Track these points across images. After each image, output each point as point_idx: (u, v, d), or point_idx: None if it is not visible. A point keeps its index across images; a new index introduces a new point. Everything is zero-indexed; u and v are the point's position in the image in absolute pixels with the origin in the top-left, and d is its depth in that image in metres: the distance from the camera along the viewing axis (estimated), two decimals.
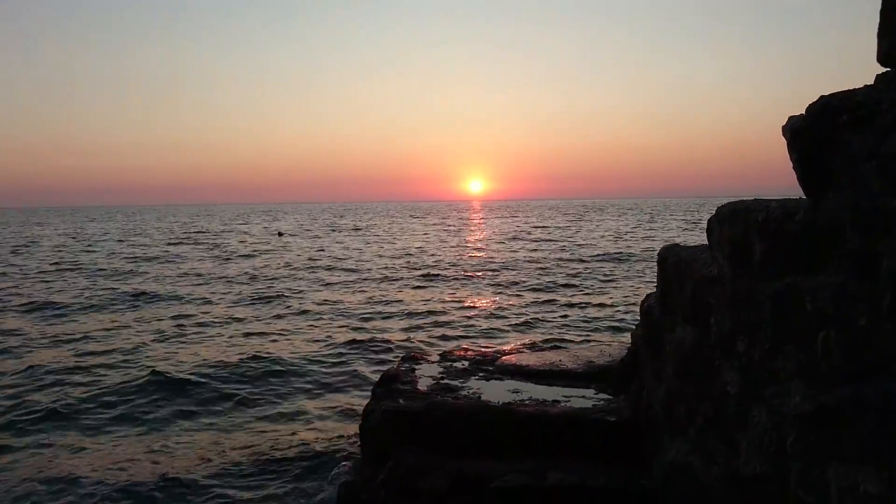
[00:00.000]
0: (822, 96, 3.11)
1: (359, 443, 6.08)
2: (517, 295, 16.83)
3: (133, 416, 8.00)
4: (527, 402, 5.36)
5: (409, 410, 5.21)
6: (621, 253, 27.52)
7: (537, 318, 13.56)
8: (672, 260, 4.56)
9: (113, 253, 31.98)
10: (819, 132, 3.07)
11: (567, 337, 11.49)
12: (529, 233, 46.06)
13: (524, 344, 7.30)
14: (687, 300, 4.29)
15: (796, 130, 3.15)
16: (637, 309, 5.38)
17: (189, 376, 9.42)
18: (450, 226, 60.32)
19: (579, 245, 31.85)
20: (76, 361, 10.53)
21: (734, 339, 3.76)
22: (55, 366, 10.20)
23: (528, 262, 24.20)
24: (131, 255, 30.07)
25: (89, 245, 38.42)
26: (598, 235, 39.19)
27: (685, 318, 4.38)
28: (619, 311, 14.55)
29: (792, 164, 3.25)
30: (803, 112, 3.19)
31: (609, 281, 19.49)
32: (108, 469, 6.46)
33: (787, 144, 3.27)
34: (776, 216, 3.37)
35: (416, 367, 6.23)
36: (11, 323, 14.00)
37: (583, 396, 5.54)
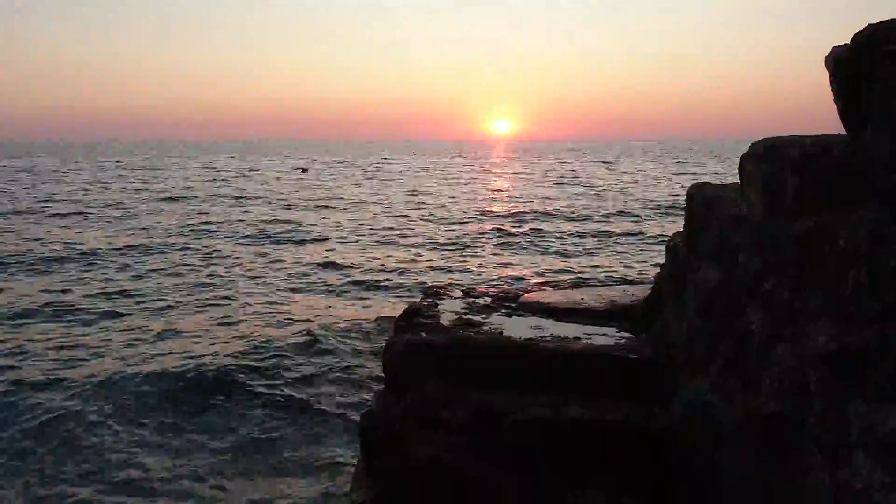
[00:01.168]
0: (869, 24, 2.96)
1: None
2: (545, 240, 16.70)
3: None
4: (548, 338, 5.39)
5: (430, 343, 5.27)
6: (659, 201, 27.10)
7: (567, 266, 13.45)
8: (700, 198, 4.48)
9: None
10: (862, 63, 2.93)
11: (592, 278, 11.47)
12: (564, 177, 45.44)
13: (548, 283, 7.30)
14: (713, 239, 4.23)
15: (839, 61, 3.02)
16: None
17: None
18: (483, 167, 59.86)
19: (616, 190, 31.23)
20: None
21: (761, 279, 3.71)
22: None
23: (562, 207, 23.92)
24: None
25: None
26: (637, 181, 37.79)
27: (711, 258, 4.33)
28: (650, 258, 14.40)
29: (833, 98, 3.13)
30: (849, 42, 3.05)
31: (639, 225, 19.26)
32: None
33: (829, 76, 3.14)
34: (812, 152, 3.27)
35: (439, 302, 6.28)
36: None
37: (604, 334, 5.55)
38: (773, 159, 3.53)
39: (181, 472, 5.46)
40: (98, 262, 14.32)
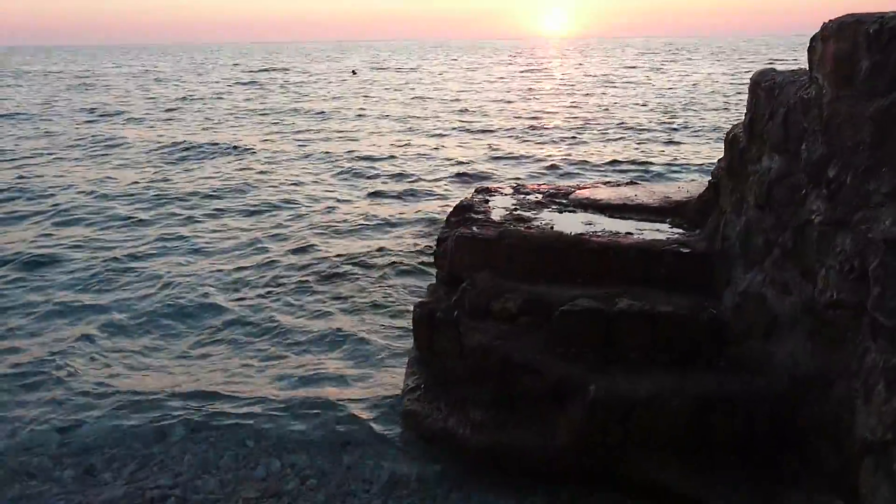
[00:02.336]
0: None
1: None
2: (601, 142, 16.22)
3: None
4: (599, 233, 5.37)
5: (481, 237, 5.32)
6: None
7: (622, 165, 13.09)
8: (765, 84, 4.29)
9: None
10: None
11: (646, 175, 11.23)
12: (617, 76, 43.60)
13: (599, 180, 7.20)
14: (777, 126, 4.07)
15: None
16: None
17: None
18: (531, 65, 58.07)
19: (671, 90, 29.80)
20: None
21: (825, 165, 3.59)
22: None
23: (623, 106, 22.97)
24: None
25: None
26: (696, 83, 35.31)
27: (773, 147, 4.19)
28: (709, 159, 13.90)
29: None
30: None
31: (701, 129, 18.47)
32: None
33: None
34: (890, 27, 3.07)
35: (490, 198, 6.29)
36: None
37: (657, 230, 5.50)
38: (846, 36, 3.33)
39: (238, 373, 5.75)
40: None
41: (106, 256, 8.31)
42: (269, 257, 8.25)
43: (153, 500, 4.05)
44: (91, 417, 4.93)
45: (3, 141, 16.52)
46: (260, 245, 8.76)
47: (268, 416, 5.03)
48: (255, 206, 10.88)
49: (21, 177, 12.74)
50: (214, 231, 9.61)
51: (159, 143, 16.76)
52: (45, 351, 5.95)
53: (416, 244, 8.35)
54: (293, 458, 4.52)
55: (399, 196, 10.75)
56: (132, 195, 11.49)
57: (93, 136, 18.20)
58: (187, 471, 4.35)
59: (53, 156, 15.14)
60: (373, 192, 11.15)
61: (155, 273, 7.82)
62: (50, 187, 11.82)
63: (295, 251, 8.37)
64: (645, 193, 6.30)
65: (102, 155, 15.26)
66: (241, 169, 13.47)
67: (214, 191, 11.73)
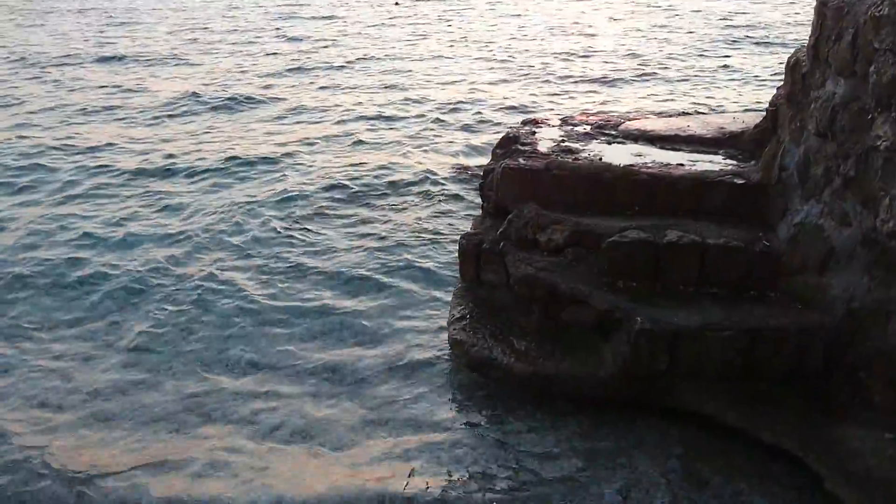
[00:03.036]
0: None
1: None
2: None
3: None
4: (650, 164, 5.25)
5: (528, 168, 5.26)
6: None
7: (675, 96, 12.54)
8: (833, 3, 4.05)
9: None
10: None
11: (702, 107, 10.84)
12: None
13: (650, 111, 7.00)
14: (845, 47, 3.87)
15: None
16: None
17: None
18: None
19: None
20: None
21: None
22: None
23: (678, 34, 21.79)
24: None
25: None
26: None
27: (839, 70, 3.99)
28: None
29: None
30: None
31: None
32: None
33: None
34: None
35: (537, 129, 6.18)
36: None
37: (710, 161, 5.35)
38: None
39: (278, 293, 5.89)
40: None
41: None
42: (311, 180, 8.29)
43: None
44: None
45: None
46: (306, 166, 8.80)
47: (312, 339, 5.15)
48: (306, 119, 10.86)
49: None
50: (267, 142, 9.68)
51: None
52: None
53: (462, 176, 8.30)
54: (340, 379, 4.66)
55: (448, 127, 10.62)
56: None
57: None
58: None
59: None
60: (422, 120, 10.95)
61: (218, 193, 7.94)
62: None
63: (342, 177, 8.40)
64: (698, 124, 6.11)
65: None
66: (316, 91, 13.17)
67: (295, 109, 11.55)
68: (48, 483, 3.80)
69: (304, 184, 8.21)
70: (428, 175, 8.36)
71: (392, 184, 8.17)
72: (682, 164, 5.23)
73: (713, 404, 4.17)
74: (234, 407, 4.42)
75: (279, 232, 6.99)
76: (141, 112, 11.81)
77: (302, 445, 4.12)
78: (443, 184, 8.10)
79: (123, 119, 11.48)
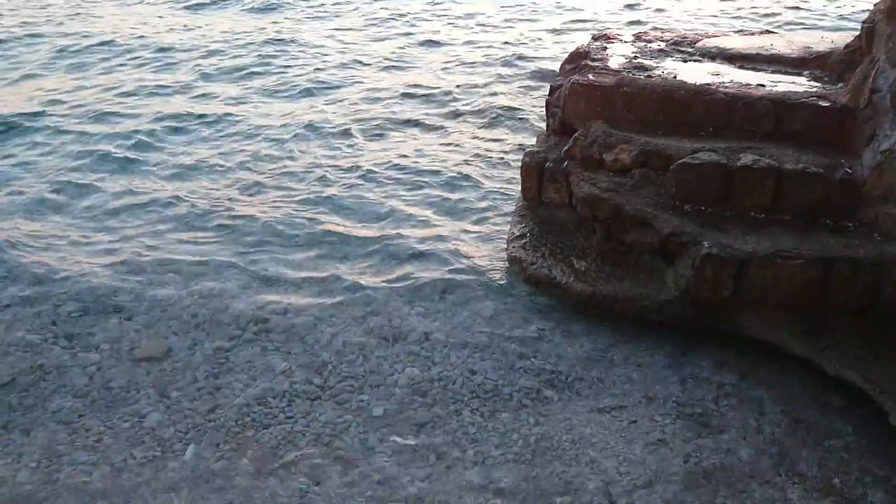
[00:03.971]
0: None
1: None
2: None
3: None
4: (727, 83, 4.99)
5: (598, 84, 5.06)
6: None
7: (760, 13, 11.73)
8: None
9: None
10: None
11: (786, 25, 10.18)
12: None
13: (731, 29, 6.60)
14: None
15: None
16: None
17: None
18: None
19: None
20: None
21: None
22: None
23: None
24: None
25: None
26: None
27: None
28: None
29: None
30: None
31: None
32: None
33: None
34: None
35: (608, 45, 5.91)
36: None
37: (793, 82, 5.05)
38: None
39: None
40: None
41: None
42: (367, 97, 8.23)
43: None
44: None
45: None
46: (366, 85, 8.71)
47: (366, 253, 5.23)
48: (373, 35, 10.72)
49: None
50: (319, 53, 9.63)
51: None
52: None
53: (528, 92, 8.10)
54: (394, 293, 4.74)
55: (511, 43, 10.28)
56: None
57: None
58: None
59: None
60: (485, 35, 10.63)
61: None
62: None
63: (401, 93, 8.31)
64: (782, 43, 5.74)
65: None
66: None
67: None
68: None
69: (364, 100, 8.15)
70: (494, 89, 8.19)
71: (453, 101, 8.03)
72: (762, 85, 4.95)
73: (777, 333, 4.09)
74: (291, 318, 4.51)
75: (337, 148, 6.99)
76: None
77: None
78: (508, 100, 7.93)
79: None
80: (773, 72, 5.31)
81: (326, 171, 6.48)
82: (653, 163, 4.69)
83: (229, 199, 6.01)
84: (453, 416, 3.68)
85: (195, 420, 3.64)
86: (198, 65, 9.40)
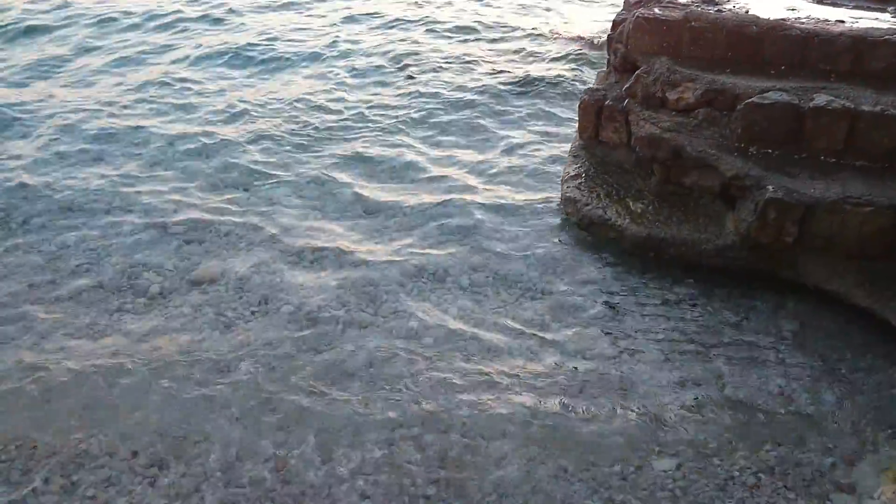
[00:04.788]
0: None
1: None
2: None
3: None
4: (804, 19, 4.71)
5: (664, 18, 4.84)
6: None
7: None
8: None
9: None
10: None
11: None
12: None
13: None
14: None
15: None
16: None
17: None
18: None
19: None
20: None
21: None
22: None
23: None
24: None
25: None
26: None
27: None
28: None
29: None
30: None
31: None
32: None
33: None
34: None
35: None
36: None
37: (875, 19, 4.74)
38: None
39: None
40: None
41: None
42: (431, 31, 8.08)
43: None
44: None
45: None
46: (423, 20, 8.55)
47: (419, 186, 5.20)
48: None
49: None
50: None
51: None
52: None
53: (588, 28, 7.83)
54: (448, 228, 4.72)
55: None
56: None
57: None
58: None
59: None
60: None
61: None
62: None
63: (459, 27, 8.13)
64: None
65: None
66: None
67: None
68: None
69: (425, 34, 8.00)
70: (552, 26, 7.94)
71: (512, 38, 7.82)
72: (841, 21, 4.66)
73: (840, 281, 3.95)
74: (347, 250, 4.55)
75: (391, 82, 6.92)
76: None
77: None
78: (567, 36, 7.68)
79: None
80: (854, 7, 5.01)
81: (375, 109, 6.43)
82: (718, 102, 4.49)
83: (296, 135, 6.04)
84: (504, 352, 3.69)
85: (248, 338, 3.74)
86: None
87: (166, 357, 3.63)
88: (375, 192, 5.19)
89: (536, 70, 7.06)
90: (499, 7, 9.09)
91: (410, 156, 5.67)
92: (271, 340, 3.74)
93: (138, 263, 4.38)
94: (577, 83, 6.75)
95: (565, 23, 8.41)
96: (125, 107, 6.50)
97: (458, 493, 2.92)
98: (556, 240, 4.63)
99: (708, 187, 4.43)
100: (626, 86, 4.89)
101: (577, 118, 5.27)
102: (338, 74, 7.14)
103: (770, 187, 4.01)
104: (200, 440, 3.15)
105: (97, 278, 4.23)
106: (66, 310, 3.97)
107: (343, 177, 5.36)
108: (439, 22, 8.49)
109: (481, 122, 6.20)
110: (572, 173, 5.02)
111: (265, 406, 3.34)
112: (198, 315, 3.93)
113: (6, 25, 8.34)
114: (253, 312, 3.96)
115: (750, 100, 4.29)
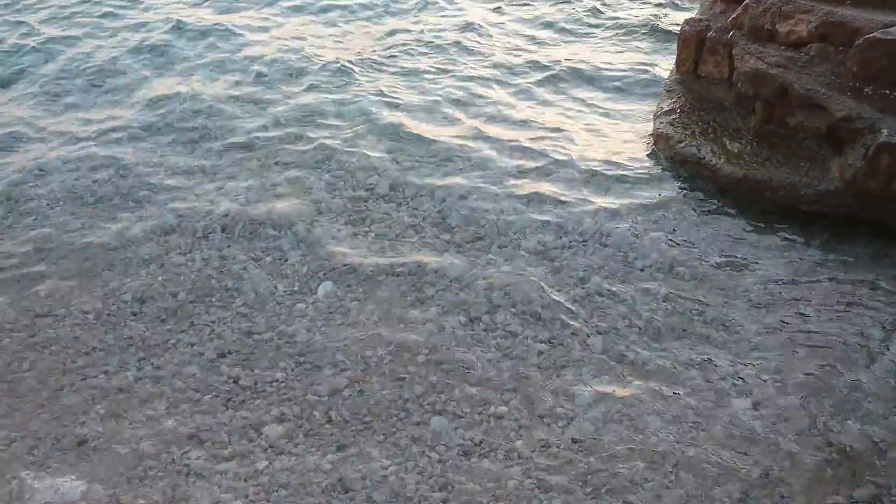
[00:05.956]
0: None
1: None
2: None
3: None
4: None
5: None
6: None
7: None
8: None
9: None
10: None
11: None
12: None
13: None
14: None
15: None
16: None
17: None
18: None
19: None
20: None
21: None
22: None
23: None
24: None
25: None
26: None
27: None
28: None
29: None
30: None
31: None
32: None
33: None
34: None
35: None
36: None
37: None
38: None
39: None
40: None
41: None
42: None
43: None
44: None
45: None
46: None
47: (511, 124, 5.10)
48: None
49: None
50: None
51: None
52: None
53: None
54: (533, 165, 4.63)
55: None
56: None
57: None
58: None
59: None
60: None
61: None
62: None
63: None
64: None
65: None
66: None
67: None
68: None
69: None
70: None
71: None
72: None
73: None
74: (425, 180, 4.52)
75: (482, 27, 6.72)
76: None
77: None
78: None
79: None
80: None
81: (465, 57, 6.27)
82: (834, 37, 4.17)
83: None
84: (579, 283, 3.63)
85: (332, 262, 3.80)
86: None
87: None
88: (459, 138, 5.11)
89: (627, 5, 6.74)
90: None
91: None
92: None
93: None
94: (668, 16, 6.41)
95: None
96: None
97: None
98: (643, 178, 4.47)
99: (814, 129, 4.17)
100: (733, 16, 4.60)
101: (673, 52, 5.02)
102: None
103: (884, 130, 3.74)
104: None
105: None
106: None
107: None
108: None
109: (566, 64, 5.96)
110: (666, 108, 4.80)
111: None
112: None
113: None
114: None
115: (871, 35, 3.96)
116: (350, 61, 5.94)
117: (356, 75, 5.75)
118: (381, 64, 5.98)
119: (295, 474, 2.71)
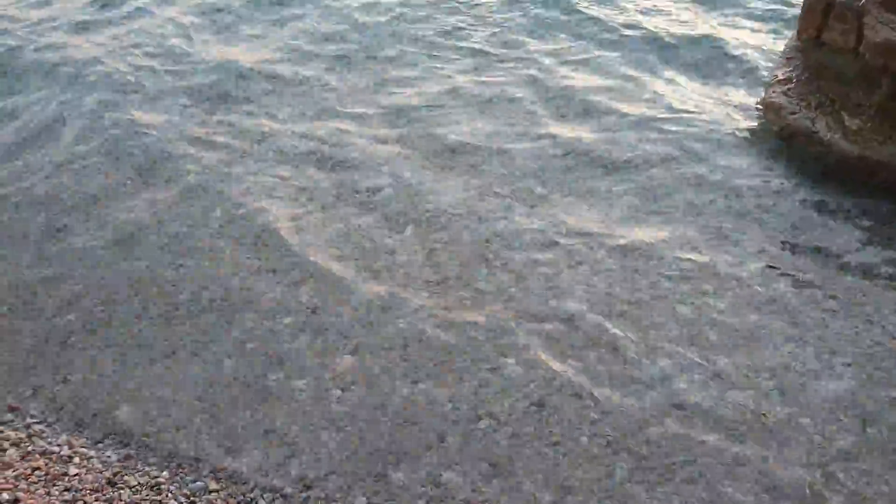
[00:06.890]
0: None
1: None
2: None
3: None
4: None
5: None
6: None
7: None
8: None
9: None
10: None
11: None
12: None
13: None
14: None
15: None
16: None
17: None
18: None
19: None
20: None
21: None
22: None
23: None
24: None
25: None
26: None
27: None
28: None
29: None
30: None
31: None
32: None
33: None
34: None
35: None
36: None
37: None
38: None
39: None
40: None
41: None
42: None
43: None
44: None
45: None
46: None
47: (608, 89, 4.93)
48: None
49: None
50: None
51: None
52: None
53: None
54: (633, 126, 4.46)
55: None
56: None
57: None
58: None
59: None
60: None
61: None
62: None
63: None
64: None
65: None
66: None
67: None
68: None
69: None
70: None
71: None
72: None
73: None
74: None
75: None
76: None
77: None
78: None
79: None
80: None
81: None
82: None
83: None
84: (675, 246, 3.52)
85: (422, 204, 3.83)
86: None
87: None
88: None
89: None
90: None
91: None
92: None
93: None
94: None
95: None
96: None
97: None
98: (750, 149, 4.23)
99: None
100: None
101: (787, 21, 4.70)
102: None
103: None
104: None
105: None
106: None
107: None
108: None
109: (669, 29, 5.67)
110: (781, 77, 4.52)
111: None
112: None
113: None
114: None
115: None
116: None
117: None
118: None
119: None
